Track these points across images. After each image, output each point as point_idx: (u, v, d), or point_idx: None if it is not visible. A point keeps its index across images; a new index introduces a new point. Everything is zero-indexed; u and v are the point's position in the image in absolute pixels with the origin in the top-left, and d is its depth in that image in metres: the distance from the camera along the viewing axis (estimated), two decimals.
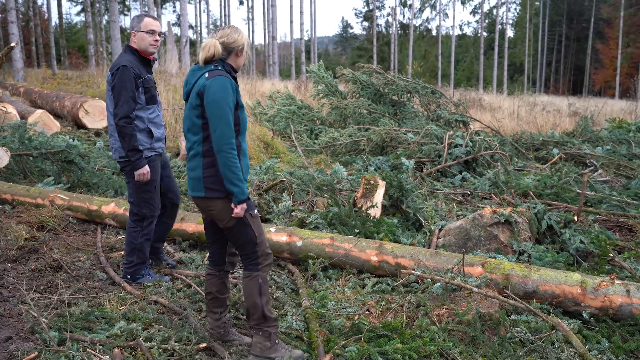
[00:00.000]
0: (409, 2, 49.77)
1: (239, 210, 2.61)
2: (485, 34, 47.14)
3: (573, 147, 8.70)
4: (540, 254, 4.32)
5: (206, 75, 2.63)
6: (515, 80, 50.30)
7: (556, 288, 3.57)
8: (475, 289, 3.32)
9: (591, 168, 7.51)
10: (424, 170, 6.92)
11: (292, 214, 5.08)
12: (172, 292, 3.60)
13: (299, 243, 4.15)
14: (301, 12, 34.27)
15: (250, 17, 44.02)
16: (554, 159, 7.99)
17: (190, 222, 4.46)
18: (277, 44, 35.90)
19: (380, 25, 55.73)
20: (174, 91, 11.33)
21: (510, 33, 53.00)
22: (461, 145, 7.06)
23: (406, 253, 3.93)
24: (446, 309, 3.33)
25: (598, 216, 5.54)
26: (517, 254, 4.43)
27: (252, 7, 45.12)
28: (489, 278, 3.65)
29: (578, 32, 57.03)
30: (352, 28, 69.57)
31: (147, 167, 3.56)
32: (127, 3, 47.43)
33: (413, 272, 3.32)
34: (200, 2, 45.89)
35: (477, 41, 45.01)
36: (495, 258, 4.29)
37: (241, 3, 55.13)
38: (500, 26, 43.98)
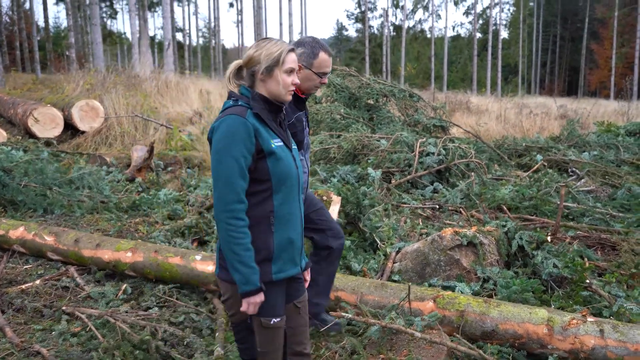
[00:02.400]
0: (401, 3, 49.32)
1: (245, 306, 1.95)
2: (478, 35, 46.71)
3: (558, 152, 8.16)
4: (507, 281, 3.78)
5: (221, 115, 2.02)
6: (509, 81, 49.83)
7: (518, 327, 3.04)
8: (418, 334, 2.77)
9: (573, 177, 6.96)
10: (393, 181, 6.36)
11: None
12: (65, 337, 3.04)
13: None
14: (290, 14, 33.71)
15: (240, 19, 43.50)
16: (535, 167, 7.44)
17: (106, 248, 3.89)
18: None
19: (373, 27, 55.36)
20: (142, 97, 10.77)
21: (504, 34, 52.58)
22: (433, 153, 6.51)
23: (347, 285, 3.38)
24: (382, 358, 2.78)
25: (578, 232, 5.00)
26: (482, 280, 3.89)
27: (242, 9, 44.59)
28: (439, 316, 3.11)
29: (572, 32, 56.65)
30: (346, 30, 69.17)
31: None
32: (114, 7, 46.89)
33: (344, 315, 2.77)
34: (189, 5, 45.40)
35: (471, 42, 44.50)
36: (454, 287, 3.75)
37: (231, 5, 54.74)
38: (493, 27, 43.57)
